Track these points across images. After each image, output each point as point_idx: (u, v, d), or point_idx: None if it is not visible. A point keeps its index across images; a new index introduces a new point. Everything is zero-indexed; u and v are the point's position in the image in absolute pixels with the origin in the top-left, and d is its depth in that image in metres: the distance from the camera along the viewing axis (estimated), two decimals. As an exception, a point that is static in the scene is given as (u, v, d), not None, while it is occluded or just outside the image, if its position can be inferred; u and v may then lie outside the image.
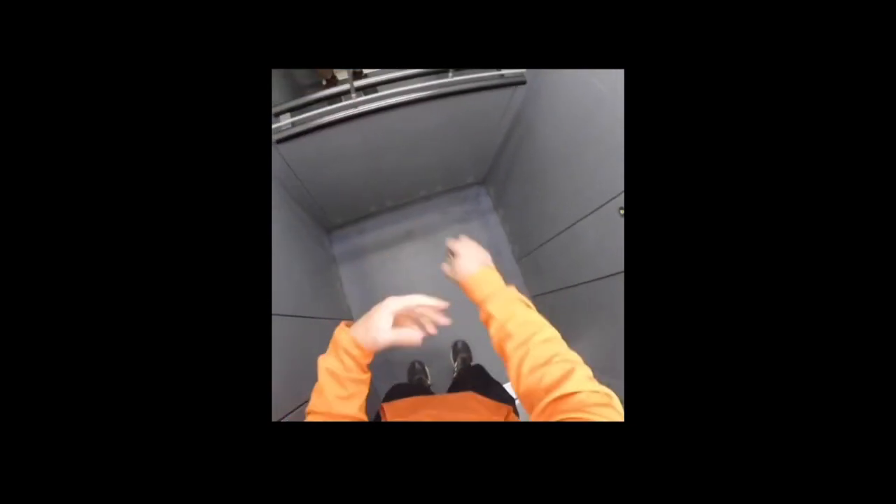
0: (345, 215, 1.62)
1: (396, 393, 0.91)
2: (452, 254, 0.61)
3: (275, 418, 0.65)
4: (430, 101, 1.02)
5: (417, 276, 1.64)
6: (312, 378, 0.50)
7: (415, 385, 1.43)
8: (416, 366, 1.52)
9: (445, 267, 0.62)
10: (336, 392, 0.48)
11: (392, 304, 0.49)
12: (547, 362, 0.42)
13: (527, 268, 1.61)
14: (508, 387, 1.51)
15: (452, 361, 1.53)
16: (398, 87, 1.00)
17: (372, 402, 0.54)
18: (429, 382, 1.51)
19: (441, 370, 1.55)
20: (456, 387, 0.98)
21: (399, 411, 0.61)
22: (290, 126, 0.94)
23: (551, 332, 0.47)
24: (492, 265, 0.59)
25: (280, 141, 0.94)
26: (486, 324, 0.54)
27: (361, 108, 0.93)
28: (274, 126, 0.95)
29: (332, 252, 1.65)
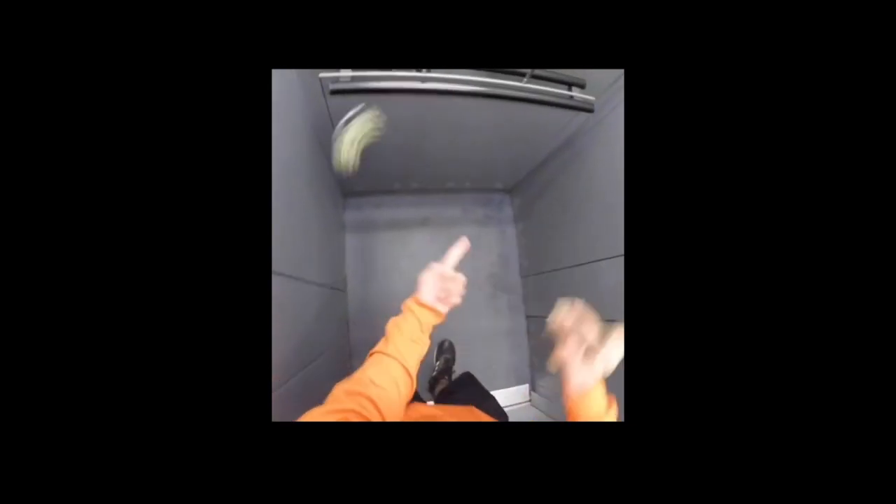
0: (367, 184, 1.57)
1: None
2: (590, 348, 0.48)
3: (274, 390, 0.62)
4: (494, 98, 0.98)
5: (423, 266, 1.61)
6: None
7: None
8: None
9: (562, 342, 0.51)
10: (412, 334, 0.54)
11: (443, 267, 0.58)
12: None
13: (530, 287, 1.60)
14: (500, 394, 1.51)
15: (434, 360, 1.51)
16: (465, 73, 0.96)
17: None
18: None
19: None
20: (448, 395, 0.97)
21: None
22: (348, 80, 0.89)
23: None
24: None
25: (334, 92, 0.89)
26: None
27: (428, 85, 0.89)
28: (331, 75, 0.90)
29: (343, 217, 1.61)
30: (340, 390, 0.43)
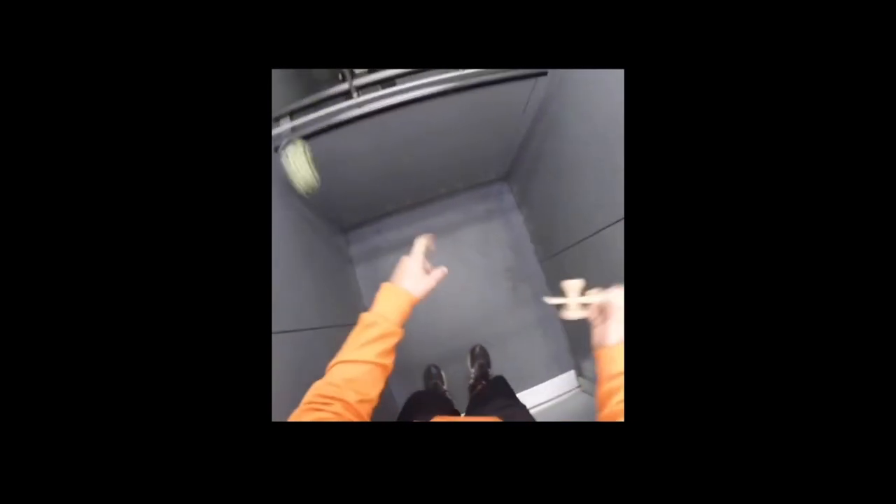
0: (361, 214, 1.58)
1: (415, 402, 0.89)
2: (602, 310, 0.53)
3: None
4: (442, 96, 0.93)
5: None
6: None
7: (430, 390, 1.39)
8: (433, 370, 1.47)
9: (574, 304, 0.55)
10: (381, 346, 0.53)
11: (419, 254, 0.62)
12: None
13: (551, 272, 1.51)
14: (546, 386, 1.45)
15: (469, 367, 1.47)
16: (405, 82, 0.92)
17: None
18: (444, 387, 1.46)
19: (456, 374, 1.49)
20: (479, 403, 0.93)
21: None
22: (289, 132, 0.89)
23: None
24: None
25: (277, 150, 0.89)
26: (610, 393, 0.49)
27: (365, 109, 0.86)
28: (275, 131, 0.89)
29: (348, 253, 1.63)
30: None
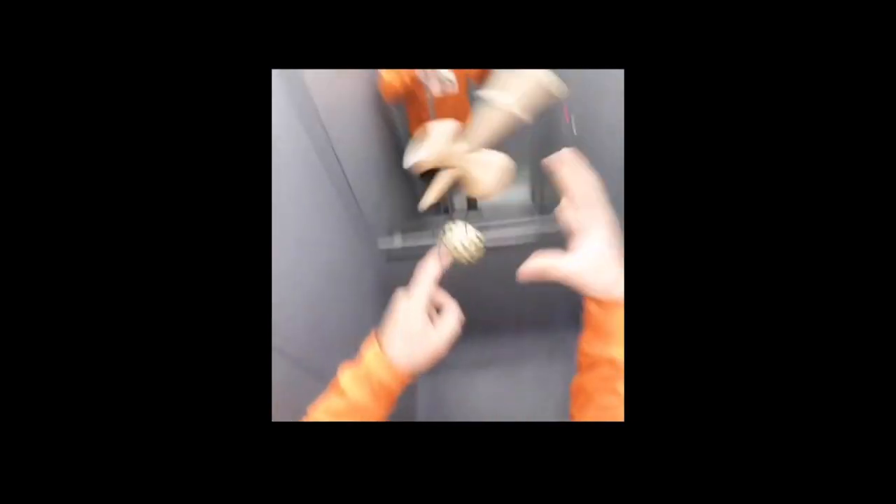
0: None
1: None
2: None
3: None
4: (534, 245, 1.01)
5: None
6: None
7: None
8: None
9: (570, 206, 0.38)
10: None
11: (421, 294, 0.39)
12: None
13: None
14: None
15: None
16: (505, 226, 1.01)
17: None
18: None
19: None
20: None
21: None
22: (399, 248, 0.99)
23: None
24: None
25: (391, 259, 0.99)
26: (595, 363, 0.37)
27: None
28: (385, 243, 0.99)
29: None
30: None
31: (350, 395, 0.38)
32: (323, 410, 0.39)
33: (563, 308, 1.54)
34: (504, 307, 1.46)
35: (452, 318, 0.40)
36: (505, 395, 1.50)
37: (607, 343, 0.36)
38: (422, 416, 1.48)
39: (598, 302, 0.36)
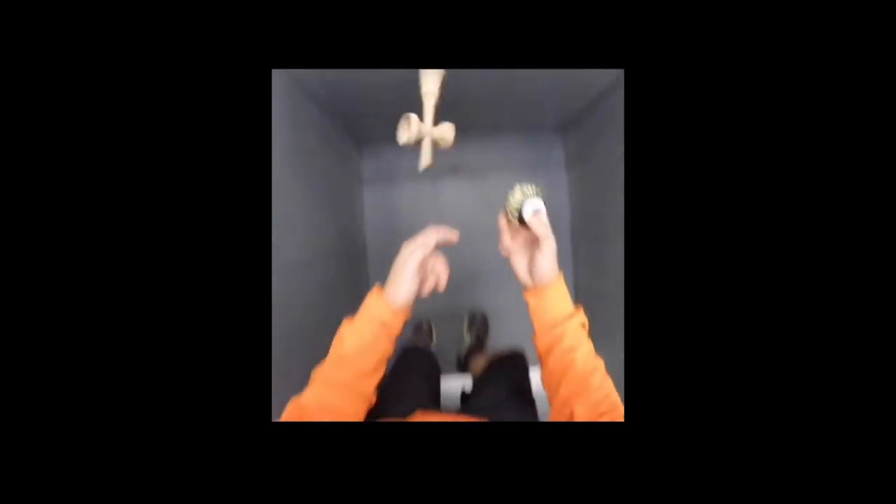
0: (381, 128, 1.31)
1: (405, 360, 0.77)
2: (533, 229, 0.47)
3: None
4: None
5: (454, 220, 1.38)
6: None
7: (422, 350, 1.27)
8: (424, 326, 1.35)
9: (503, 223, 0.52)
10: (361, 366, 0.45)
11: (417, 255, 0.46)
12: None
13: (583, 253, 1.31)
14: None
15: (465, 332, 1.35)
16: None
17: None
18: (433, 344, 1.35)
19: (448, 334, 1.38)
20: (483, 387, 0.76)
21: None
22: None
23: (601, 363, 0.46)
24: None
25: None
26: (550, 346, 0.47)
27: None
28: None
29: (359, 170, 1.40)
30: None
31: (356, 326, 0.47)
32: (328, 361, 0.46)
33: (551, 112, 1.28)
34: (481, 103, 1.17)
35: (441, 281, 0.51)
36: (473, 203, 1.42)
37: (553, 325, 0.46)
38: (376, 227, 1.39)
39: (534, 291, 0.49)
